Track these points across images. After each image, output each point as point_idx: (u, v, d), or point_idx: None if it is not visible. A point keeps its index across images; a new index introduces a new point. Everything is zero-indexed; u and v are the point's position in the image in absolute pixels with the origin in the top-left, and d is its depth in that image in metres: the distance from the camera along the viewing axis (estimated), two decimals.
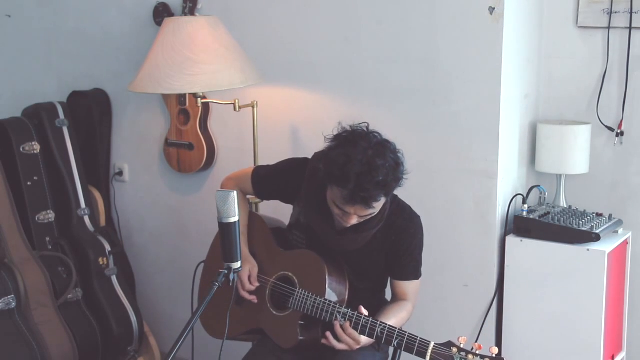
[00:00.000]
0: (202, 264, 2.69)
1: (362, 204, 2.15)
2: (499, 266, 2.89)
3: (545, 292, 2.79)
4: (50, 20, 3.83)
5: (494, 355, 2.04)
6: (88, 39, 3.73)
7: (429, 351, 2.10)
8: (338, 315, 2.24)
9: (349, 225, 2.26)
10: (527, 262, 2.81)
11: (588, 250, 2.69)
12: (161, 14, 3.41)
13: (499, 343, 2.91)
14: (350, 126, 2.23)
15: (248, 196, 2.68)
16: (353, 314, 2.23)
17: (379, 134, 2.22)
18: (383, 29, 2.94)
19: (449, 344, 2.09)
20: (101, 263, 3.44)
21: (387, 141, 2.22)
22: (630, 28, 2.81)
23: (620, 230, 2.83)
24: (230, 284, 2.05)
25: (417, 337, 2.14)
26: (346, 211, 2.20)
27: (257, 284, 2.48)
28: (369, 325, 2.20)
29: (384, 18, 2.93)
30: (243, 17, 3.24)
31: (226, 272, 2.04)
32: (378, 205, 2.21)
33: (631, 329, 2.96)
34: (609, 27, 2.84)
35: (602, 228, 2.72)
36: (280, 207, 2.65)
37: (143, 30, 3.49)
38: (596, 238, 2.68)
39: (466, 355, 2.05)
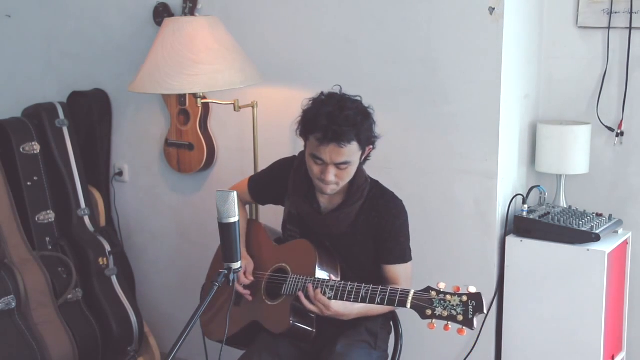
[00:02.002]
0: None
1: (334, 142, 2.24)
2: (499, 266, 2.89)
3: (545, 292, 2.79)
4: (50, 21, 3.83)
5: (470, 292, 2.06)
6: (88, 39, 3.73)
7: (409, 298, 2.13)
8: (327, 289, 2.28)
9: (328, 184, 2.32)
10: (527, 262, 2.81)
11: (588, 250, 2.69)
12: (161, 14, 3.41)
13: (499, 343, 2.91)
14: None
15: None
16: (340, 284, 2.27)
17: (350, 95, 2.36)
18: (383, 29, 2.94)
19: (428, 289, 2.12)
20: (101, 263, 3.44)
21: (360, 98, 2.37)
22: (630, 28, 2.81)
23: (620, 231, 2.83)
24: (230, 284, 2.05)
25: (398, 288, 2.18)
26: (322, 158, 2.28)
27: (252, 279, 2.51)
28: (354, 290, 2.24)
29: (384, 18, 2.93)
30: (243, 17, 3.24)
31: (226, 272, 2.04)
32: (351, 151, 2.28)
33: (631, 329, 2.97)
34: (609, 27, 2.84)
35: (602, 228, 2.72)
36: (280, 216, 2.65)
37: (143, 30, 3.49)
38: (596, 238, 2.68)
39: (444, 297, 2.08)
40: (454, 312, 2.05)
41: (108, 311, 3.41)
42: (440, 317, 2.07)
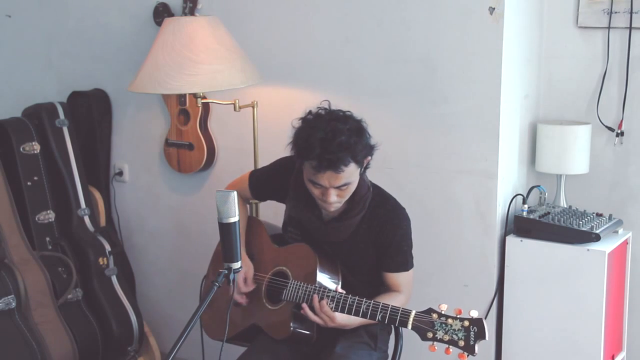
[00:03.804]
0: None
1: (331, 169, 2.18)
2: (499, 266, 2.89)
3: (545, 292, 2.79)
4: (50, 20, 3.83)
5: (472, 318, 2.06)
6: (88, 39, 3.73)
7: (411, 319, 2.12)
8: (328, 300, 2.27)
9: (330, 204, 2.28)
10: (527, 262, 2.81)
11: (588, 250, 2.69)
12: (161, 14, 3.41)
13: (499, 343, 2.91)
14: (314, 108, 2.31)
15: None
16: (341, 295, 2.26)
17: (342, 110, 2.28)
18: (383, 29, 2.94)
19: (429, 311, 2.11)
20: (101, 263, 3.44)
21: (350, 113, 2.28)
22: (630, 28, 2.81)
23: (620, 230, 2.83)
24: (230, 284, 2.05)
25: (399, 307, 2.17)
26: (320, 184, 2.23)
27: (253, 286, 2.50)
28: (355, 304, 2.23)
29: (384, 18, 2.93)
30: (243, 17, 3.24)
31: (226, 272, 2.04)
32: (349, 172, 2.22)
33: (631, 329, 2.97)
34: (609, 27, 2.84)
35: (602, 228, 2.72)
36: (280, 213, 2.65)
37: (143, 30, 3.49)
38: (596, 238, 2.68)
39: (446, 320, 2.08)
40: (455, 337, 2.05)
41: (108, 311, 3.41)
42: (441, 341, 2.07)
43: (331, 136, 2.17)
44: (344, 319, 2.28)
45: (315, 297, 2.28)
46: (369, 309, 2.21)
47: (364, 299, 2.23)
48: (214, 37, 2.84)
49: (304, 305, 2.29)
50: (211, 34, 2.84)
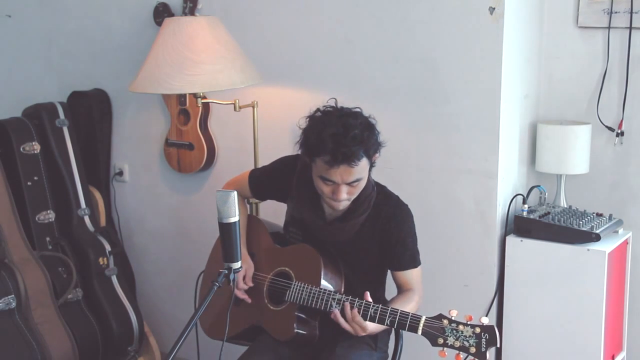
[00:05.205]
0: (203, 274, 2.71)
1: (345, 163, 2.18)
2: (499, 266, 2.89)
3: (545, 292, 2.79)
4: (50, 20, 3.83)
5: (484, 324, 2.05)
6: (88, 39, 3.73)
7: (421, 325, 2.12)
8: (333, 302, 2.26)
9: (340, 202, 2.27)
10: (527, 262, 2.81)
11: (588, 250, 2.70)
12: (161, 14, 3.41)
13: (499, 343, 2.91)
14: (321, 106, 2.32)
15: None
16: (347, 299, 2.25)
17: (348, 108, 2.28)
18: (383, 29, 2.94)
19: (440, 317, 2.10)
20: (101, 263, 3.44)
21: (359, 110, 2.29)
22: (630, 28, 2.81)
23: (620, 230, 2.83)
24: (230, 284, 2.05)
25: (409, 313, 2.16)
26: (333, 180, 2.22)
27: (252, 284, 2.50)
28: (362, 308, 2.22)
29: (384, 18, 2.93)
30: (243, 17, 3.24)
31: (226, 272, 2.04)
32: (361, 167, 2.22)
33: (631, 329, 2.97)
34: (609, 27, 2.84)
35: (602, 228, 2.72)
36: (280, 211, 2.66)
37: (143, 30, 3.50)
38: (596, 238, 2.68)
39: (457, 326, 2.07)
40: (466, 344, 2.05)
41: (108, 311, 3.41)
42: (452, 347, 2.06)
43: (344, 131, 2.17)
44: (373, 327, 2.26)
45: (348, 306, 2.23)
46: (377, 313, 2.20)
47: (372, 303, 2.22)
48: (214, 37, 2.84)
49: (335, 310, 2.25)
50: (211, 34, 2.84)
